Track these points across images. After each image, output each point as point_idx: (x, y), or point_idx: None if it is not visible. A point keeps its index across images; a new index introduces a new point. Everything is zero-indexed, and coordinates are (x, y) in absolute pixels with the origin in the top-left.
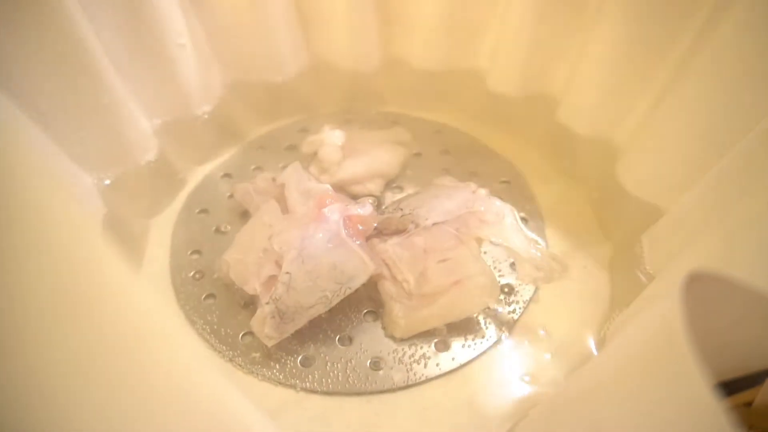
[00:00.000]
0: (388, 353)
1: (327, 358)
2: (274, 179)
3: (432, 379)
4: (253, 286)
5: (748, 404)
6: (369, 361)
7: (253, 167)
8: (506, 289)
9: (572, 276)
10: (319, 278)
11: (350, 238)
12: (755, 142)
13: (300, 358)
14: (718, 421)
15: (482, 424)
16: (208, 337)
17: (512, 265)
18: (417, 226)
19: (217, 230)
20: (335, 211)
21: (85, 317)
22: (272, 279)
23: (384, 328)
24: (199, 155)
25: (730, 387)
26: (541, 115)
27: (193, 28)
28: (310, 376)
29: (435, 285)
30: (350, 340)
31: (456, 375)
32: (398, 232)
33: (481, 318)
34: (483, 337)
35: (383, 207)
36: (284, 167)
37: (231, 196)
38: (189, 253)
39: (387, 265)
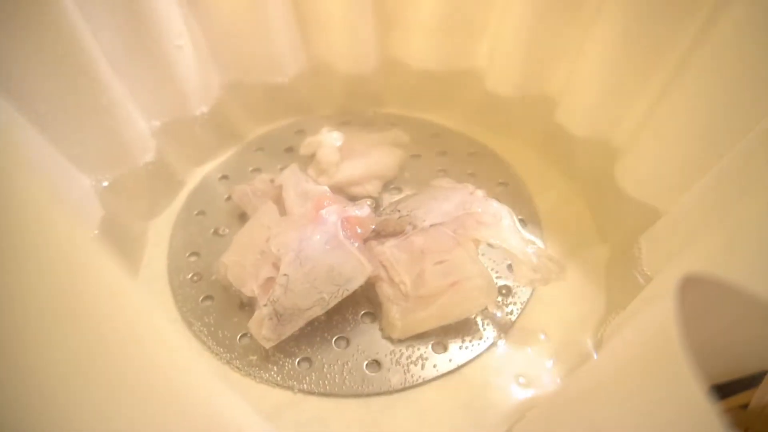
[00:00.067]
0: (386, 355)
1: (324, 359)
2: (272, 180)
3: (429, 380)
4: (251, 288)
5: (744, 406)
6: (366, 363)
7: (251, 169)
8: (504, 291)
9: (570, 277)
10: (316, 280)
11: (348, 240)
12: (754, 143)
13: (297, 359)
14: (712, 423)
15: (480, 426)
16: (205, 338)
17: (510, 266)
18: (414, 227)
19: (215, 232)
20: (333, 213)
21: (81, 319)
22: (270, 281)
23: (381, 329)
24: (197, 156)
25: (726, 389)
26: (540, 116)
27: (192, 29)
28: (307, 378)
29: (432, 287)
30: (347, 341)
31: (453, 376)
32: (396, 233)
33: (478, 319)
34: (480, 338)
35: (381, 209)
36: (282, 169)
37: (229, 197)
38: (187, 254)
39: (384, 266)
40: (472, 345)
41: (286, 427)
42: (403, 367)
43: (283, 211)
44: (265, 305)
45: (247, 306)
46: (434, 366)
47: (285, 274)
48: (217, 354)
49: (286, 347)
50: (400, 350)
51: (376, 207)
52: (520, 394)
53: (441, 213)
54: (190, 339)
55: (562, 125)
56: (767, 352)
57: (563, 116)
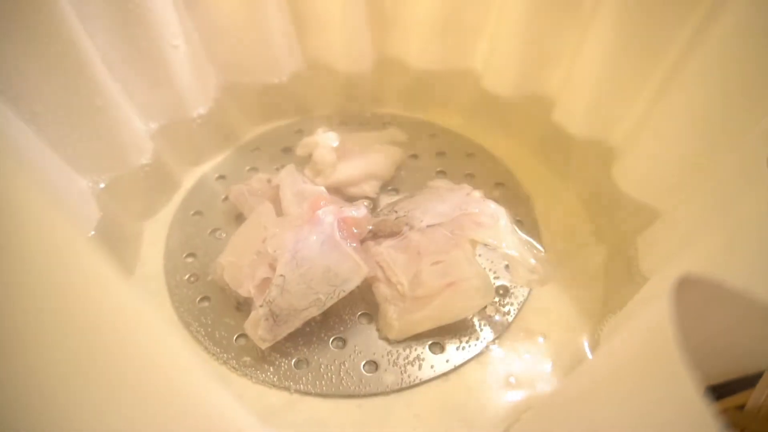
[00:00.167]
0: (383, 355)
1: (321, 360)
2: (269, 181)
3: (426, 381)
4: (247, 289)
5: (741, 407)
6: (363, 363)
7: (248, 169)
8: (501, 291)
9: (567, 278)
10: (312, 281)
11: (344, 241)
12: (753, 143)
13: (294, 360)
14: (708, 423)
15: (477, 427)
16: (202, 339)
17: (506, 267)
18: (411, 228)
19: (212, 232)
20: (329, 214)
21: (78, 320)
22: (266, 281)
23: (378, 330)
24: (194, 157)
25: (722, 390)
26: (537, 116)
27: (188, 29)
28: (304, 379)
29: (429, 287)
30: (344, 342)
31: (450, 377)
32: (393, 234)
33: (475, 320)
34: (477, 339)
35: (378, 209)
36: (279, 169)
37: (226, 198)
38: (183, 255)
39: (381, 267)
40: (469, 346)
41: (283, 428)
42: (400, 367)
43: (279, 211)
44: (261, 306)
45: (243, 307)
46: (431, 367)
47: (281, 275)
48: (213, 354)
49: (282, 348)
50: (397, 351)
51: (373, 208)
52: (517, 395)
53: (438, 214)
54: (186, 340)
55: (559, 125)
56: (764, 353)
57: (561, 116)
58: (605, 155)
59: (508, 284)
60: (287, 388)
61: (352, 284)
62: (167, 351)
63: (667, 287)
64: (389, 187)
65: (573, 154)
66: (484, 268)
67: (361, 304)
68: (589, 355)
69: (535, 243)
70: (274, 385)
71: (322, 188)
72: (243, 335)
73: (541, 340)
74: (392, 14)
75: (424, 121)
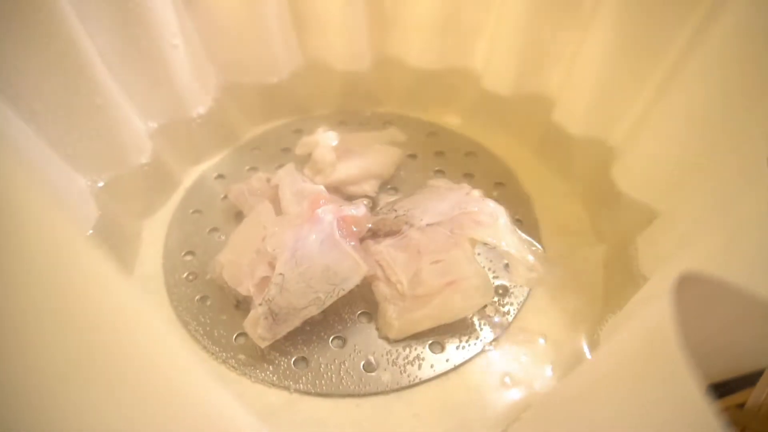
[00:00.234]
0: (382, 354)
1: (321, 359)
2: (268, 180)
3: (426, 380)
4: (247, 287)
5: (741, 405)
6: (363, 363)
7: (247, 168)
8: (500, 291)
9: (566, 277)
10: (312, 279)
11: (344, 240)
12: (752, 143)
13: (293, 359)
14: (709, 422)
15: (476, 426)
16: (201, 338)
17: (506, 266)
18: (411, 227)
19: (211, 231)
20: (329, 212)
21: (77, 319)
22: (265, 280)
23: (378, 329)
24: (193, 156)
25: (723, 388)
26: (536, 115)
27: (187, 29)
28: (303, 378)
29: (429, 286)
30: (344, 341)
31: (450, 377)
32: (392, 233)
33: (475, 319)
34: (477, 338)
35: (378, 208)
36: (279, 168)
37: (225, 197)
38: (182, 254)
39: (381, 266)
40: (469, 345)
41: (282, 428)
42: (399, 367)
43: (279, 210)
44: (260, 304)
45: (242, 305)
46: (431, 366)
47: (281, 274)
48: (212, 353)
49: (282, 347)
50: (397, 350)
51: (373, 206)
52: (517, 395)
53: (437, 212)
54: (185, 338)
55: (559, 125)
56: (764, 351)
57: (561, 116)
58: (605, 155)
59: (507, 283)
60: (287, 388)
61: (352, 283)
62: (166, 350)
63: (666, 287)
64: (388, 186)
65: (573, 154)
66: (484, 268)
67: (360, 303)
68: (589, 355)
69: (534, 242)
70: (273, 385)
71: (322, 187)
72: (242, 334)
73: (540, 339)
74: (392, 14)
75: (423, 121)
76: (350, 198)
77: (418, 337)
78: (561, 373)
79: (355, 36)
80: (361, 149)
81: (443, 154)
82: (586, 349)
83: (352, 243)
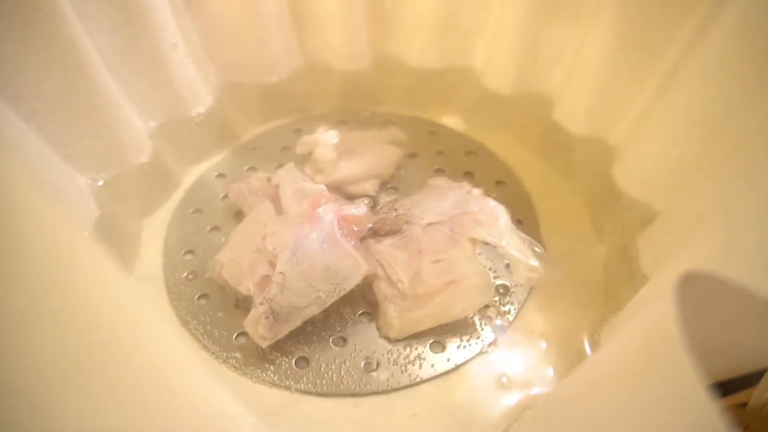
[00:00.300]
0: (383, 354)
1: (322, 359)
2: (269, 179)
3: (427, 380)
4: (247, 286)
5: (743, 405)
6: (364, 362)
7: (247, 167)
8: (501, 290)
9: (567, 277)
10: (313, 279)
11: (344, 239)
12: (752, 143)
13: (294, 359)
14: (713, 421)
15: (477, 426)
16: (201, 337)
17: (507, 265)
18: (412, 226)
19: (211, 230)
20: (329, 212)
21: (77, 319)
22: (266, 279)
23: (379, 328)
24: (193, 155)
25: (725, 388)
26: (537, 115)
27: (187, 29)
28: (304, 378)
29: (429, 285)
30: (345, 340)
31: (451, 376)
32: (393, 232)
33: (476, 319)
34: (478, 337)
35: (378, 207)
36: (279, 167)
37: (225, 196)
38: (182, 253)
39: (382, 265)
40: (470, 344)
41: (283, 428)
42: (400, 366)
43: (279, 209)
44: (261, 303)
45: (242, 304)
46: (432, 365)
47: (281, 273)
48: (213, 353)
49: (282, 346)
50: (398, 350)
51: (373, 206)
52: (517, 394)
53: (438, 212)
54: (185, 338)
55: (559, 124)
56: (765, 351)
57: (561, 115)
58: (605, 154)
59: (508, 283)
60: (287, 387)
61: (353, 282)
62: (166, 350)
63: (667, 286)
64: (389, 186)
65: (573, 153)
66: (485, 267)
67: (361, 302)
68: (590, 354)
69: (535, 241)
70: (274, 384)
71: (323, 186)
72: (242, 333)
73: (541, 339)
74: (392, 13)
75: (423, 120)
76: (350, 197)
77: (418, 336)
78: (562, 372)
79: (355, 36)
80: (362, 148)
81: (443, 153)
82: (586, 349)
83: (353, 242)
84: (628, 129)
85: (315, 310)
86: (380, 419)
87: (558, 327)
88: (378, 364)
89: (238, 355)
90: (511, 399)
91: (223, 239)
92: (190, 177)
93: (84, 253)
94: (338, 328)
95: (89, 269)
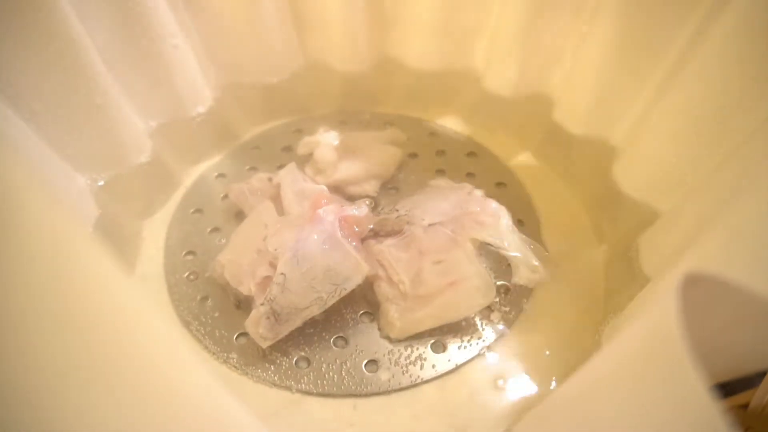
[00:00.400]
0: (384, 354)
1: (323, 359)
2: (270, 179)
3: (428, 380)
4: (248, 287)
5: (744, 406)
6: (365, 363)
7: (247, 168)
8: (502, 291)
9: (568, 278)
10: (314, 279)
11: (345, 239)
12: (752, 143)
13: (295, 359)
14: (714, 422)
15: (478, 426)
16: (202, 338)
17: (508, 266)
18: (413, 227)
19: (212, 231)
20: (330, 212)
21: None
22: (267, 280)
23: (380, 329)
24: (193, 155)
25: (726, 389)
26: (537, 115)
27: (187, 28)
28: (305, 378)
29: (430, 286)
30: (346, 341)
31: (452, 377)
32: (394, 233)
33: (477, 319)
34: (479, 338)
35: (379, 208)
36: (279, 168)
37: (225, 196)
38: (183, 253)
39: (383, 266)
40: (471, 345)
41: (284, 428)
42: (401, 367)
43: (280, 210)
44: (262, 304)
45: (243, 305)
46: (433, 366)
47: (282, 273)
48: (214, 353)
49: (283, 347)
50: (399, 350)
51: (374, 206)
52: (519, 394)
53: (439, 212)
54: (186, 338)
55: (560, 124)
56: (766, 352)
57: (561, 116)
58: (606, 155)
59: (509, 283)
60: (288, 388)
61: (354, 283)
62: (167, 350)
63: (669, 287)
64: (390, 186)
65: (574, 154)
66: (485, 267)
67: (362, 303)
68: (591, 355)
69: (535, 242)
70: (275, 385)
71: (323, 187)
72: (243, 334)
73: (542, 339)
74: (392, 14)
75: (424, 121)
76: (351, 198)
77: (419, 337)
78: (562, 373)
79: (356, 36)
80: (362, 149)
81: (444, 154)
82: (588, 350)
83: (354, 243)
84: (628, 129)
85: (316, 311)
86: (381, 420)
87: (559, 328)
88: (379, 365)
89: (238, 355)
90: (512, 399)
91: (223, 240)
92: (190, 177)
93: (84, 253)
94: (339, 329)
95: (89, 269)
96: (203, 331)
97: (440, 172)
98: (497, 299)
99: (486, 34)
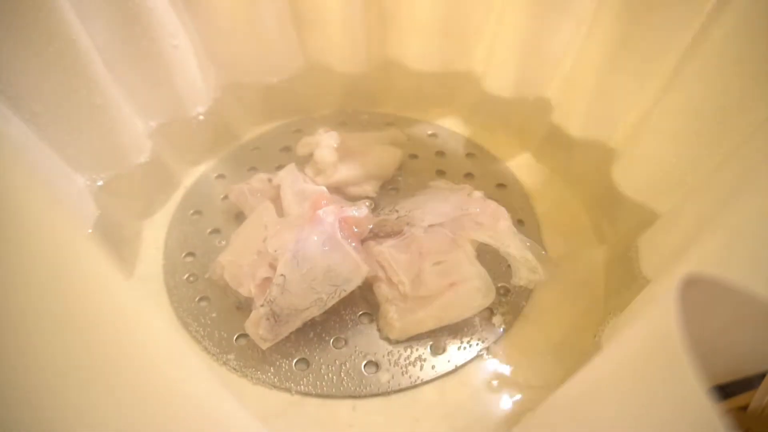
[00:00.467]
0: (384, 355)
1: (322, 360)
2: (270, 180)
3: (428, 381)
4: (248, 288)
5: (744, 408)
6: (364, 364)
7: (247, 168)
8: (501, 292)
9: (568, 279)
10: (314, 281)
11: (345, 241)
12: (752, 143)
13: (295, 360)
14: (713, 424)
15: (478, 427)
16: (201, 339)
17: (507, 267)
18: (413, 228)
19: (212, 232)
20: (330, 213)
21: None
22: (267, 281)
23: (379, 330)
24: (193, 156)
25: (725, 390)
26: (537, 117)
27: (188, 29)
28: (305, 379)
29: (430, 287)
30: (345, 342)
31: (452, 378)
32: (394, 234)
33: (477, 320)
34: (479, 339)
35: (379, 209)
36: (279, 168)
37: (225, 197)
38: (183, 255)
39: (383, 267)
40: (470, 346)
41: (284, 429)
42: (401, 368)
43: (280, 211)
44: (262, 305)
45: (243, 306)
46: (432, 367)
47: (282, 275)
48: (213, 355)
49: (283, 348)
50: (398, 351)
51: (374, 207)
52: (519, 396)
53: (439, 214)
54: (186, 340)
55: (559, 126)
56: (766, 353)
57: (561, 117)
58: (605, 156)
59: (508, 284)
60: (288, 389)
61: (353, 284)
62: (166, 351)
63: (669, 288)
64: (389, 187)
65: (573, 155)
66: (485, 269)
67: (362, 304)
68: (591, 356)
69: (535, 243)
70: (275, 386)
71: (323, 188)
72: (243, 335)
73: (542, 340)
74: (392, 15)
75: (423, 122)
76: (351, 199)
77: (419, 338)
78: (563, 374)
79: (355, 37)
80: (362, 150)
81: (444, 155)
82: (588, 350)
83: (354, 244)
84: (628, 130)
85: (315, 312)
86: (380, 421)
87: (559, 328)
88: (378, 366)
89: (238, 357)
90: (512, 400)
91: (223, 242)
92: (190, 178)
93: (84, 254)
94: (339, 330)
95: (89, 270)
96: (202, 333)
97: (440, 173)
98: (497, 300)
99: (486, 35)
